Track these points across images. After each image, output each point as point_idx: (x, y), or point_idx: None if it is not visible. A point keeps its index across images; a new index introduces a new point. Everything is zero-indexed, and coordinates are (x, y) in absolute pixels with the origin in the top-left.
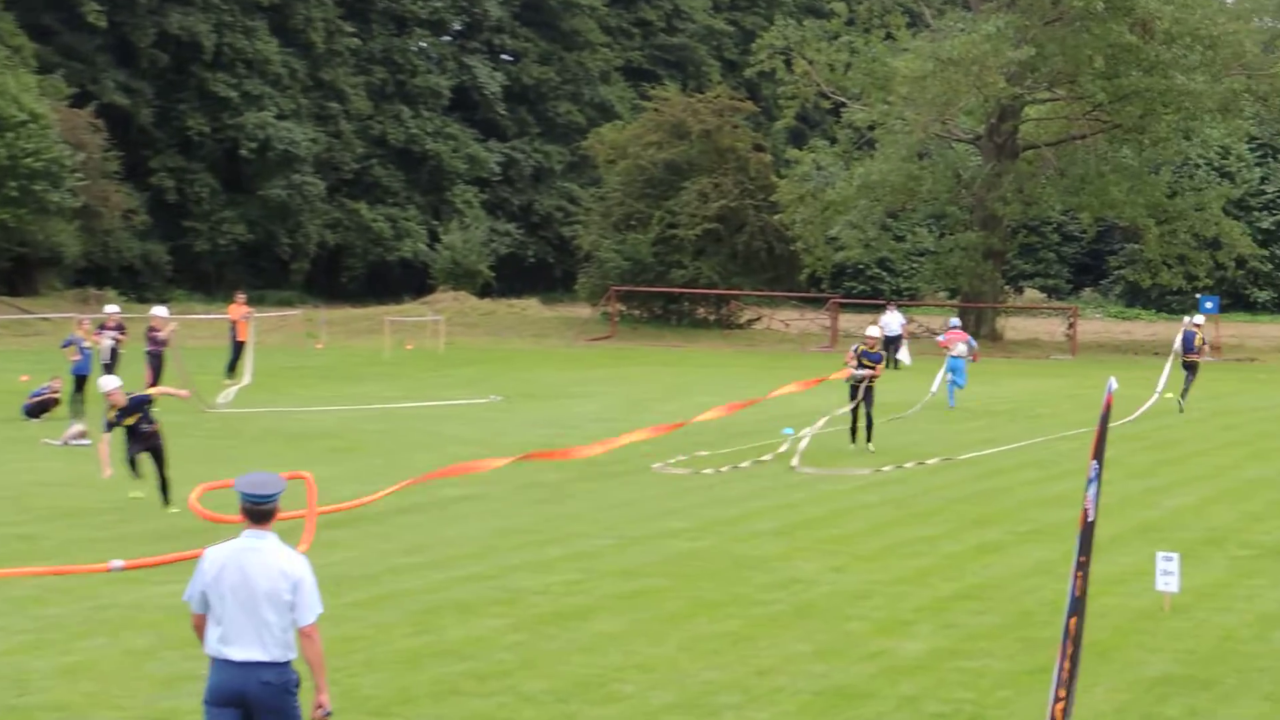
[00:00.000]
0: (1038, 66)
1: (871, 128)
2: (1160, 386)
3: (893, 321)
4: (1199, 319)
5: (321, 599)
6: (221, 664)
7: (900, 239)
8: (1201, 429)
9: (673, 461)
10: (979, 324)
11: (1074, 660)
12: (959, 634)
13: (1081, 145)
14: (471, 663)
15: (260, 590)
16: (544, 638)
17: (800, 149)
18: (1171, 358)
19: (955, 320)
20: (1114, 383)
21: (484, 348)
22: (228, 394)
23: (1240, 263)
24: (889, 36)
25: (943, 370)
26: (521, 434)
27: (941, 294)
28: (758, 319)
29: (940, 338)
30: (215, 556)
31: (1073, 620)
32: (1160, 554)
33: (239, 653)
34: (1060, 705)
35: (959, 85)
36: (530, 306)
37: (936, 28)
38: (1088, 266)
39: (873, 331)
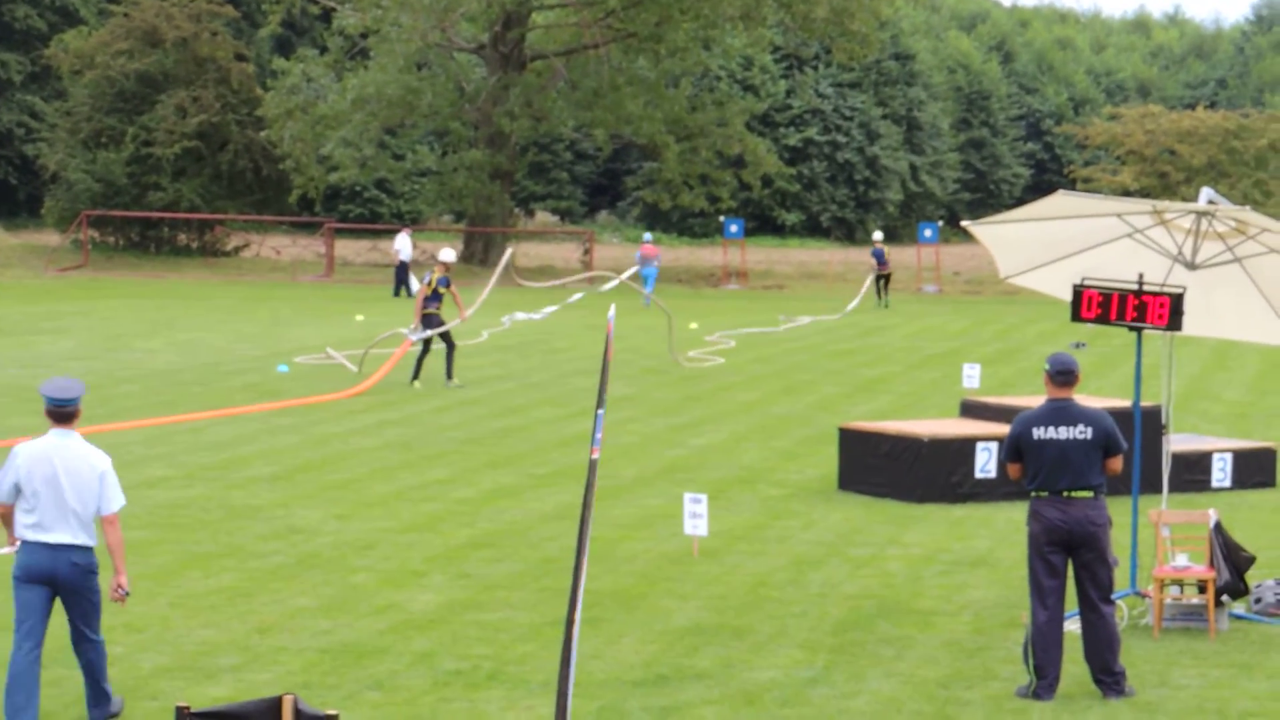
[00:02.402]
0: None
1: (365, 35)
2: (856, 302)
3: (406, 246)
4: (878, 235)
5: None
6: (35, 546)
7: (400, 158)
8: (732, 362)
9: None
10: (487, 250)
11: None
12: (475, 585)
13: (594, 55)
14: None
15: (70, 482)
16: None
17: (288, 59)
18: (872, 274)
19: (648, 235)
20: (613, 312)
21: None
22: None
23: (767, 182)
24: None
25: (635, 270)
26: None
27: (446, 217)
28: (246, 246)
29: (637, 255)
30: (27, 451)
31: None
32: (688, 495)
33: (52, 537)
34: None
35: None
36: None
37: None
38: (603, 187)
39: (446, 255)
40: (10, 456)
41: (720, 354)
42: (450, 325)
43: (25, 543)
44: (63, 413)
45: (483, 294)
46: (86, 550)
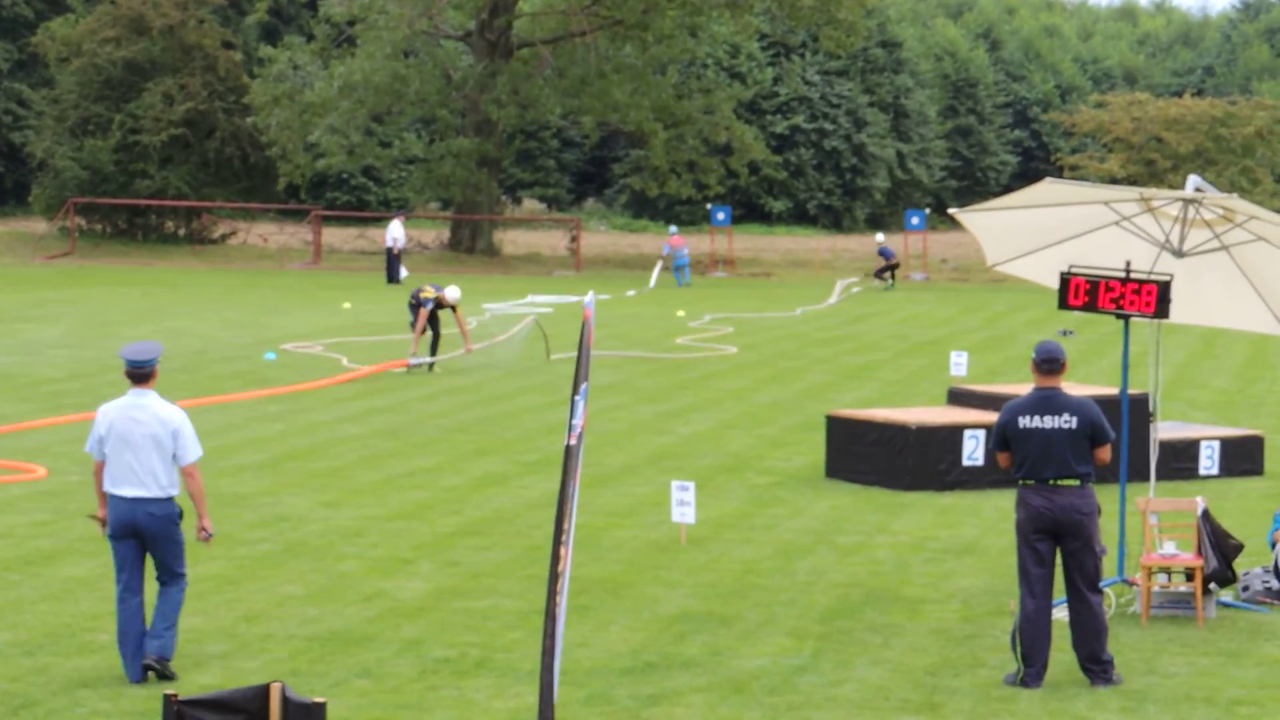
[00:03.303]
0: None
1: (352, 23)
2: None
3: (401, 234)
4: (880, 236)
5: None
6: (115, 500)
7: (387, 145)
8: (720, 350)
9: None
10: (475, 237)
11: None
12: (463, 572)
13: (581, 43)
14: None
15: (145, 438)
16: (6, 585)
17: (274, 46)
18: (879, 266)
19: (674, 228)
20: (591, 298)
21: None
22: None
23: (754, 169)
24: None
25: (659, 267)
26: None
27: (433, 205)
28: (233, 233)
29: (666, 248)
30: (107, 411)
31: (561, 552)
32: (675, 483)
33: (129, 491)
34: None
35: None
36: None
37: None
38: (590, 175)
39: (453, 296)
40: (96, 417)
41: (721, 341)
42: (455, 355)
43: (110, 497)
44: (139, 373)
45: (494, 340)
46: (164, 501)
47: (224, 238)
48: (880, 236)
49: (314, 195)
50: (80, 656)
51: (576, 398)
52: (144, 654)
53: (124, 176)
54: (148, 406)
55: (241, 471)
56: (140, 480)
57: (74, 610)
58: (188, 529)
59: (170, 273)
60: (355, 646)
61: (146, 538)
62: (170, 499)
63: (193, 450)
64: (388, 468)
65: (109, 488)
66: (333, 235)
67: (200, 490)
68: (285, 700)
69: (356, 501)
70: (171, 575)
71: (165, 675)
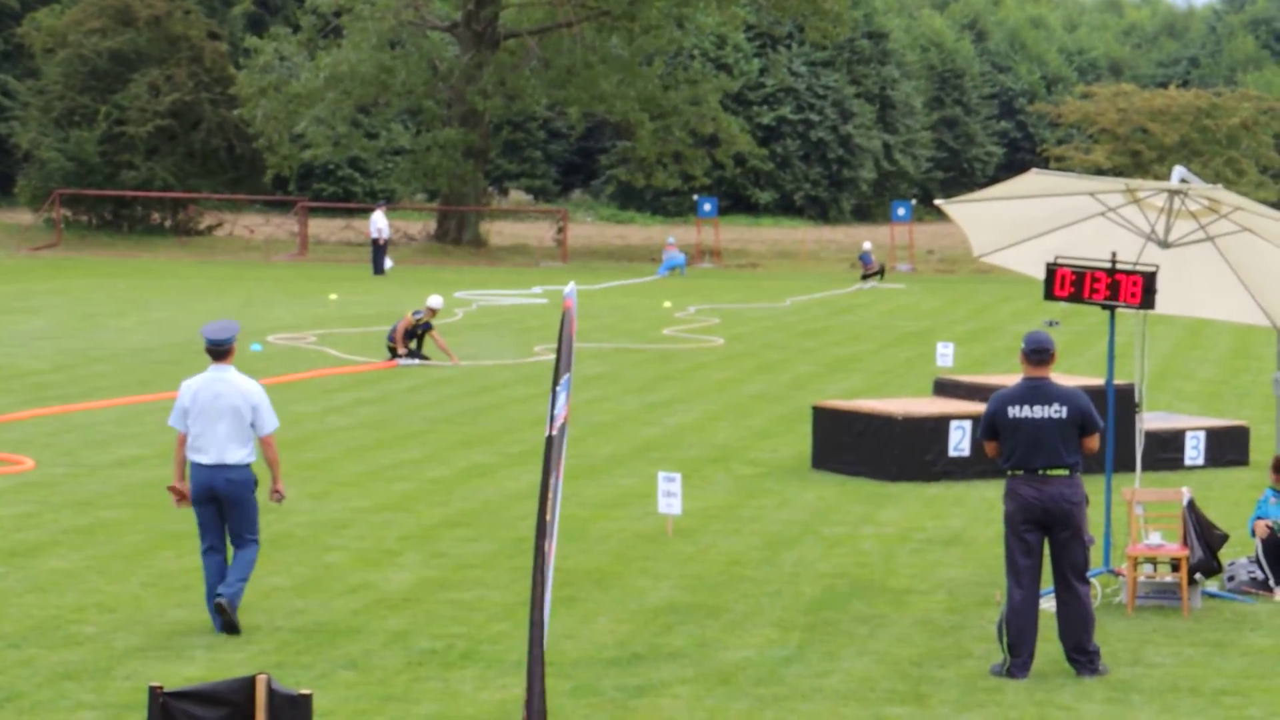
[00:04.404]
0: None
1: (338, 14)
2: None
3: (385, 225)
4: (868, 244)
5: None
6: (196, 467)
7: (373, 136)
8: (706, 341)
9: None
10: (461, 229)
11: (543, 587)
12: (449, 564)
13: (568, 34)
14: None
15: (226, 410)
16: None
17: (261, 37)
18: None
19: (672, 239)
20: (573, 288)
21: None
22: None
23: (740, 161)
24: None
25: (668, 265)
26: None
27: (419, 196)
28: (219, 225)
29: (666, 254)
30: (190, 385)
31: (544, 545)
32: (662, 474)
33: (208, 458)
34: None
35: None
36: None
37: None
38: (577, 166)
39: (434, 302)
40: (180, 390)
41: (707, 332)
42: (444, 364)
43: (192, 465)
44: (219, 350)
45: (485, 360)
46: (241, 468)
47: (210, 229)
48: (867, 245)
49: (300, 186)
50: (65, 649)
51: (558, 389)
52: (216, 594)
53: (110, 168)
54: (229, 380)
55: None
56: (220, 449)
57: (59, 602)
58: (261, 496)
59: (156, 264)
60: (341, 638)
61: (224, 502)
62: (247, 466)
63: (271, 422)
64: (373, 459)
65: (191, 456)
66: (319, 226)
67: (276, 458)
68: (271, 692)
69: (342, 493)
70: (244, 540)
71: (231, 623)
